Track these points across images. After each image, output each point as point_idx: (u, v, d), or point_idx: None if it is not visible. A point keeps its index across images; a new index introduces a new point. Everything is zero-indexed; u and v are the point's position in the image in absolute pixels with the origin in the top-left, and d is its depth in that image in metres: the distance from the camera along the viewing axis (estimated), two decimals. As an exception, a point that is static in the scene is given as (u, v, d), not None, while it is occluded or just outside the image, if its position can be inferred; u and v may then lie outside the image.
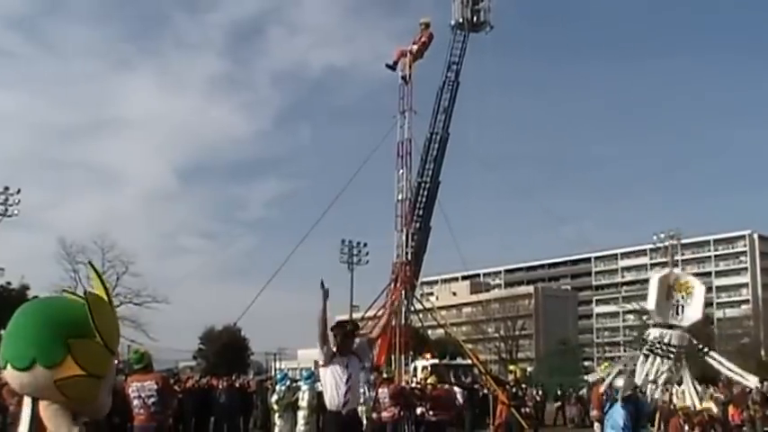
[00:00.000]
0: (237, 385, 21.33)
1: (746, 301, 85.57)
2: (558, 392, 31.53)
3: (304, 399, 14.22)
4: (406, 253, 29.09)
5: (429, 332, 45.70)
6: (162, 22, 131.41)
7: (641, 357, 9.89)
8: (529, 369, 44.62)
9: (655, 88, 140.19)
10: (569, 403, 30.70)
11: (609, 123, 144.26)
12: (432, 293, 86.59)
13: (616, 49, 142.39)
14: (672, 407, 10.29)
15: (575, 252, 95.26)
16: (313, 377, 13.75)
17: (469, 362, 28.65)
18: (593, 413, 15.28)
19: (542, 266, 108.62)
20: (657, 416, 9.95)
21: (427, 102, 31.50)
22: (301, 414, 14.25)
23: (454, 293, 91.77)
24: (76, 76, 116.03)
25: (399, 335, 27.05)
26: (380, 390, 14.48)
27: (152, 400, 8.12)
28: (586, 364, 62.60)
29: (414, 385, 18.84)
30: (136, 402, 8.10)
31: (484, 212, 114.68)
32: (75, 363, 2.24)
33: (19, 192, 38.68)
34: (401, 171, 29.45)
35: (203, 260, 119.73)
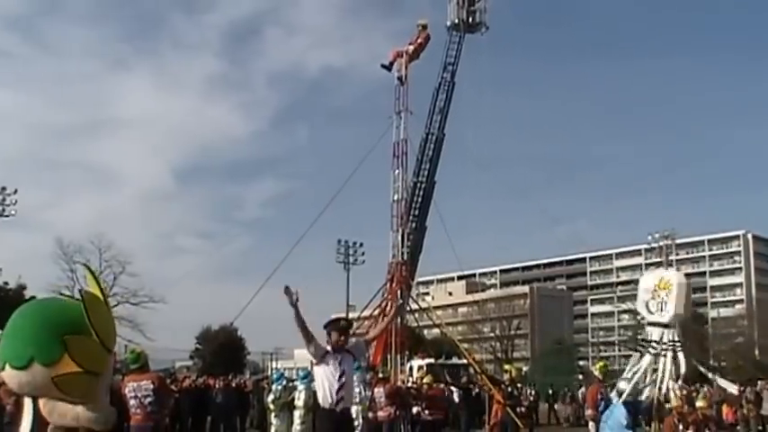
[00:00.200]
0: (234, 385, 21.33)
1: (741, 301, 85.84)
2: (550, 392, 31.62)
3: (300, 398, 14.24)
4: (402, 253, 29.16)
5: (425, 332, 45.81)
6: (159, 22, 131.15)
7: (635, 355, 9.98)
8: (524, 369, 44.65)
9: (651, 89, 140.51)
10: (564, 402, 30.78)
11: (605, 124, 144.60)
12: (427, 293, 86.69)
13: (611, 49, 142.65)
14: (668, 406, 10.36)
15: (570, 252, 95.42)
16: (309, 377, 13.76)
17: (465, 361, 28.74)
18: (589, 412, 15.33)
19: (538, 266, 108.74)
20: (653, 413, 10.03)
21: (423, 102, 31.56)
22: (297, 413, 14.27)
23: (450, 293, 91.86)
24: (74, 76, 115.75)
25: (395, 334, 27.10)
26: (376, 389, 14.50)
27: (149, 399, 8.12)
28: (581, 363, 62.72)
29: (410, 385, 18.90)
30: (132, 402, 8.10)
31: (479, 212, 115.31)
32: (72, 360, 2.27)
33: (16, 192, 38.62)
34: (397, 171, 29.52)
35: (200, 260, 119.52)
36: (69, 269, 42.63)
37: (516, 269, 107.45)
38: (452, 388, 22.84)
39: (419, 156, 31.00)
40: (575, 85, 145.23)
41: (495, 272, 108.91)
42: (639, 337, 19.97)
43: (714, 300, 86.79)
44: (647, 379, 10.92)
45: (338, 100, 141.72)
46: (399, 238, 29.24)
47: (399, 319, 28.59)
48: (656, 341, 19.84)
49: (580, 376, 42.53)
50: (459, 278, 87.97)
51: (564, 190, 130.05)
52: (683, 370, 19.28)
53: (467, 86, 32.02)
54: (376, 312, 29.69)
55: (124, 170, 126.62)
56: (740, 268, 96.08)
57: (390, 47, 32.17)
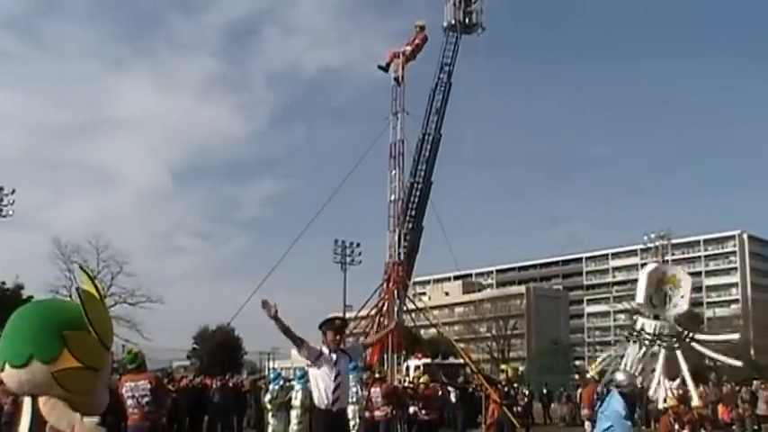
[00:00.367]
0: (231, 385, 21.34)
1: (736, 301, 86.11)
2: (544, 391, 31.66)
3: (297, 398, 14.27)
4: (399, 253, 29.20)
5: (421, 332, 45.86)
6: (157, 22, 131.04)
7: (629, 345, 10.03)
8: (520, 368, 44.75)
9: (647, 90, 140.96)
10: (560, 402, 30.84)
11: (601, 124, 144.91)
12: (424, 293, 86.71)
13: (606, 50, 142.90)
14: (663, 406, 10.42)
15: (566, 252, 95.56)
16: (306, 376, 13.74)
17: (462, 361, 28.78)
18: (584, 412, 15.40)
19: (534, 266, 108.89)
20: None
21: (420, 103, 31.60)
22: (294, 413, 14.30)
23: (446, 293, 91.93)
24: (72, 76, 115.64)
25: (392, 334, 27.14)
26: (373, 389, 14.54)
27: (146, 399, 8.13)
28: (577, 363, 62.87)
29: (406, 384, 18.93)
30: (130, 402, 8.11)
31: (476, 213, 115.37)
32: (72, 355, 2.30)
33: (14, 192, 38.51)
34: (394, 172, 29.57)
35: (198, 260, 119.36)
36: (67, 269, 42.76)
37: (512, 269, 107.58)
38: (449, 388, 22.89)
39: (416, 156, 31.04)
40: (571, 85, 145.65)
41: (492, 272, 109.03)
42: (639, 328, 20.06)
43: (710, 300, 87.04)
44: (636, 369, 10.99)
45: (336, 100, 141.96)
46: (396, 238, 29.28)
47: (396, 319, 28.64)
48: (649, 333, 19.92)
49: (576, 376, 42.64)
50: (456, 278, 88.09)
51: (560, 190, 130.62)
52: (683, 364, 19.38)
53: (463, 87, 32.11)
54: (373, 312, 29.74)
55: (122, 170, 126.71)
56: (736, 268, 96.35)
57: (387, 47, 32.24)
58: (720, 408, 23.59)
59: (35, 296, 36.23)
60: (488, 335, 72.24)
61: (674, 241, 68.81)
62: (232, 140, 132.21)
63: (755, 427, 22.87)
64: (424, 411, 15.64)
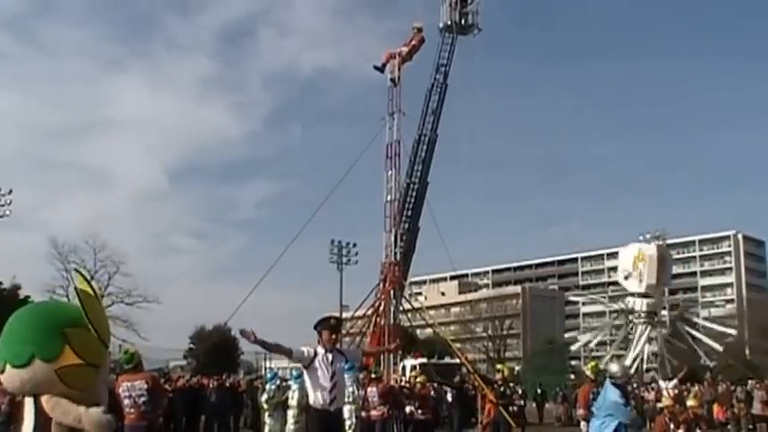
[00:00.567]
0: (228, 384, 21.35)
1: (731, 301, 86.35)
2: (538, 391, 31.70)
3: (294, 398, 14.25)
4: (395, 253, 29.24)
5: (418, 332, 45.93)
6: (153, 23, 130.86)
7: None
8: (516, 368, 44.85)
9: (643, 90, 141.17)
10: (555, 402, 30.88)
11: (597, 125, 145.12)
12: (420, 293, 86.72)
13: (603, 50, 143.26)
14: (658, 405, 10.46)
15: (562, 252, 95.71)
16: (303, 376, 13.80)
17: (458, 361, 28.82)
18: (580, 412, 15.41)
19: (530, 267, 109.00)
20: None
21: (416, 104, 31.67)
22: (291, 413, 14.28)
23: (442, 293, 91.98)
24: (68, 76, 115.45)
25: (388, 334, 27.20)
26: (369, 389, 14.56)
27: (142, 399, 8.14)
28: (573, 363, 62.87)
29: (403, 384, 18.96)
30: (126, 402, 8.12)
31: (472, 213, 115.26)
32: (73, 352, 2.33)
33: (10, 192, 38.46)
34: (390, 172, 29.59)
35: (194, 260, 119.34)
36: (64, 269, 42.67)
37: (508, 269, 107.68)
38: (446, 387, 22.93)
39: (412, 157, 31.10)
40: (567, 86, 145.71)
41: (488, 272, 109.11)
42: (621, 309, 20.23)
43: (705, 299, 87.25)
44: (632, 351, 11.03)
45: (331, 101, 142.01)
46: (392, 238, 29.31)
47: (392, 319, 28.71)
48: (644, 311, 20.07)
49: (572, 376, 42.71)
50: (452, 278, 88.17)
51: (556, 191, 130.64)
52: (657, 345, 19.39)
53: (459, 88, 32.13)
54: (369, 312, 29.77)
55: (118, 171, 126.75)
56: (731, 268, 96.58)
57: (383, 48, 32.28)
58: (716, 407, 23.67)
59: (32, 296, 36.13)
60: (484, 335, 72.35)
61: (669, 241, 68.85)
62: (228, 141, 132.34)
63: (750, 427, 22.96)
64: (420, 411, 15.67)
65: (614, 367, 8.14)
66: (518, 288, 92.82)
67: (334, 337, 6.92)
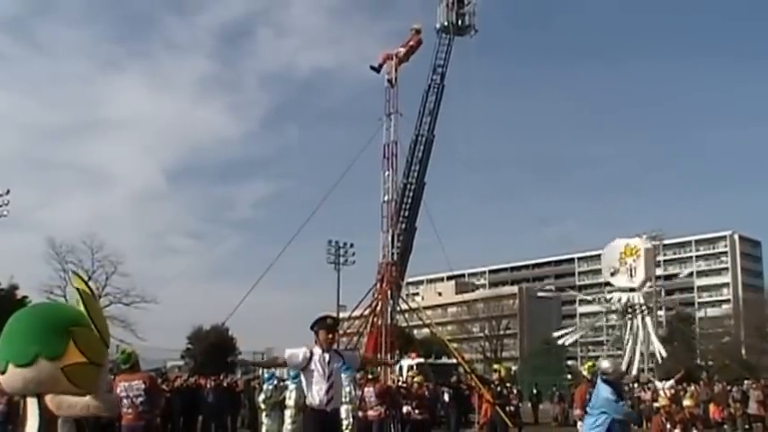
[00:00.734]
0: (225, 384, 21.34)
1: (727, 301, 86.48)
2: (534, 391, 31.72)
3: (291, 398, 14.25)
4: (392, 253, 29.28)
5: (415, 332, 45.93)
6: (151, 23, 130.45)
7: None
8: (513, 368, 44.84)
9: (638, 90, 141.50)
10: (552, 402, 30.91)
11: (593, 125, 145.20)
12: (417, 293, 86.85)
13: (599, 51, 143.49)
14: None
15: (558, 252, 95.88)
16: (300, 376, 13.80)
17: (455, 361, 28.85)
18: (577, 412, 15.44)
19: (526, 267, 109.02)
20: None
21: (413, 104, 31.72)
22: (288, 413, 14.29)
23: (439, 293, 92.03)
24: (66, 76, 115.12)
25: (385, 334, 27.24)
26: (366, 389, 14.57)
27: (140, 399, 8.16)
28: (570, 363, 63.02)
29: (400, 384, 18.96)
30: (124, 402, 8.11)
31: (469, 213, 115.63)
32: (78, 350, 2.35)
33: (8, 192, 38.38)
34: (387, 172, 29.65)
35: (192, 260, 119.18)
36: (61, 269, 42.68)
37: (505, 269, 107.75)
38: (443, 387, 22.94)
39: (409, 157, 31.15)
40: (563, 86, 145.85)
41: (485, 272, 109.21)
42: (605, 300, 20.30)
43: (701, 300, 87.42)
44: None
45: (329, 101, 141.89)
46: (389, 238, 29.36)
47: (389, 319, 28.73)
48: (625, 305, 20.11)
49: (569, 376, 42.76)
50: (449, 278, 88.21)
51: (552, 191, 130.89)
52: (652, 334, 19.48)
53: (456, 88, 32.18)
54: (366, 312, 29.80)
55: (116, 171, 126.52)
56: (727, 268, 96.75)
57: (380, 49, 32.35)
58: (712, 407, 23.73)
59: (30, 296, 36.15)
60: (481, 335, 72.42)
61: (665, 242, 69.06)
62: (225, 141, 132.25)
63: (746, 427, 23.01)
64: (417, 411, 15.69)
65: (605, 364, 8.16)
66: (515, 288, 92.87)
67: (331, 336, 6.90)
